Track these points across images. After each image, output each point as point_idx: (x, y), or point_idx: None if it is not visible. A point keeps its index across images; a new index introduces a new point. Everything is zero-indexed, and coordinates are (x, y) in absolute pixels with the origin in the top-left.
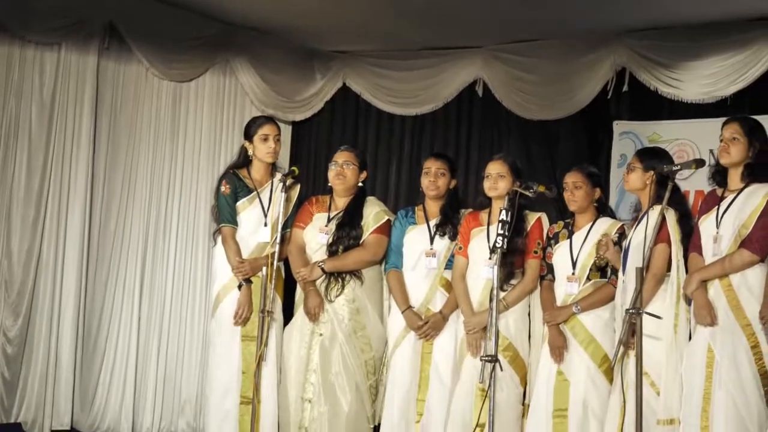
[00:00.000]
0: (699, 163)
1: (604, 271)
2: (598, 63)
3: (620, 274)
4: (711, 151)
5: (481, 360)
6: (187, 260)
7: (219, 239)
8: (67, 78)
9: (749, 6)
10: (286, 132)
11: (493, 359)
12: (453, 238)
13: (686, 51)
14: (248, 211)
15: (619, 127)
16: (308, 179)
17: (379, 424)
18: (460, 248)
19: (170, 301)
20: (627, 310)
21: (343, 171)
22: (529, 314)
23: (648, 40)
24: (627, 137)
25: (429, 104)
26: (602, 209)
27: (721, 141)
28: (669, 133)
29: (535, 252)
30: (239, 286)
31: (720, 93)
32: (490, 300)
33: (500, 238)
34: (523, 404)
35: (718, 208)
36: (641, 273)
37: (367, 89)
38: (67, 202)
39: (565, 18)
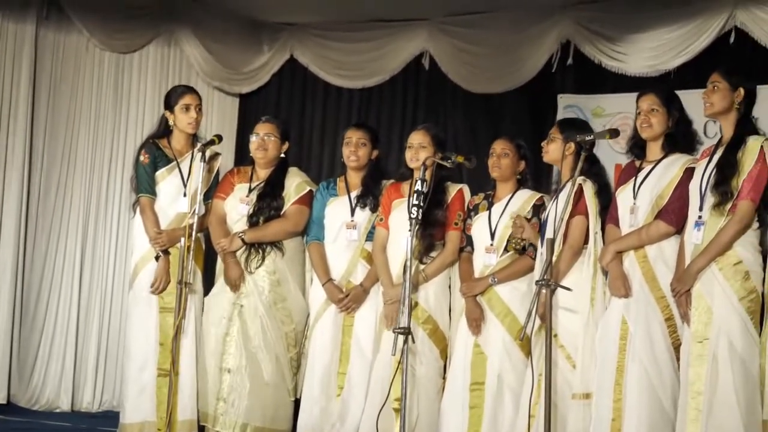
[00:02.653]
0: (613, 133)
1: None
2: (543, 36)
3: (539, 246)
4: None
5: (394, 332)
6: (129, 233)
7: (137, 210)
8: (4, 47)
9: None
10: (233, 104)
11: (406, 331)
12: (374, 209)
13: (630, 24)
14: (167, 181)
15: (563, 100)
16: None
17: (300, 397)
18: (381, 220)
19: (112, 274)
20: (537, 281)
21: (264, 143)
22: (449, 287)
23: (592, 12)
24: (571, 110)
25: (376, 77)
26: (524, 182)
27: (639, 113)
28: (613, 107)
29: (456, 224)
30: (157, 257)
31: (664, 66)
32: (404, 271)
33: (415, 208)
34: (444, 378)
35: (635, 179)
36: (551, 244)
37: (314, 61)
38: (4, 173)
39: None
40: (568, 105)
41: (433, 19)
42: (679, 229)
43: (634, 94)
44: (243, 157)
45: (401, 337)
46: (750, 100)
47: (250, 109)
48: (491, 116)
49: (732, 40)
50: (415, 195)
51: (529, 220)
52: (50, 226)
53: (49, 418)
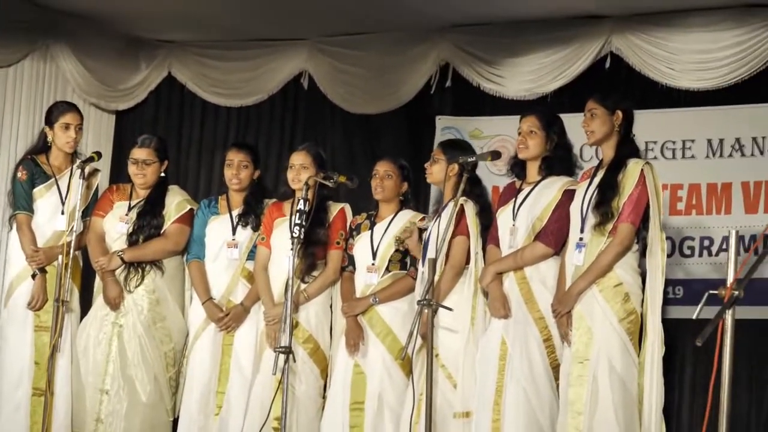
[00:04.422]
0: (495, 155)
1: (404, 263)
2: (422, 57)
3: (419, 265)
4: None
5: (275, 351)
6: (2, 249)
7: (14, 226)
8: None
9: (571, 4)
10: (110, 121)
11: (287, 350)
12: (256, 228)
13: (508, 47)
14: (45, 198)
15: (441, 122)
16: None
17: (179, 416)
18: (263, 239)
19: None
20: (418, 301)
21: (143, 169)
22: (331, 306)
23: (471, 36)
24: (449, 132)
25: (254, 96)
26: (406, 203)
27: (519, 134)
28: (491, 129)
29: (338, 243)
30: (33, 276)
31: (541, 90)
32: (286, 290)
33: (297, 227)
34: (324, 397)
35: (515, 200)
36: (433, 264)
37: (192, 79)
38: None
39: (391, 12)
40: (446, 126)
41: (312, 39)
42: (558, 251)
43: (512, 117)
44: (119, 174)
45: (282, 356)
46: (628, 120)
47: (127, 126)
48: (370, 136)
49: (608, 65)
50: (297, 214)
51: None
52: None
53: None
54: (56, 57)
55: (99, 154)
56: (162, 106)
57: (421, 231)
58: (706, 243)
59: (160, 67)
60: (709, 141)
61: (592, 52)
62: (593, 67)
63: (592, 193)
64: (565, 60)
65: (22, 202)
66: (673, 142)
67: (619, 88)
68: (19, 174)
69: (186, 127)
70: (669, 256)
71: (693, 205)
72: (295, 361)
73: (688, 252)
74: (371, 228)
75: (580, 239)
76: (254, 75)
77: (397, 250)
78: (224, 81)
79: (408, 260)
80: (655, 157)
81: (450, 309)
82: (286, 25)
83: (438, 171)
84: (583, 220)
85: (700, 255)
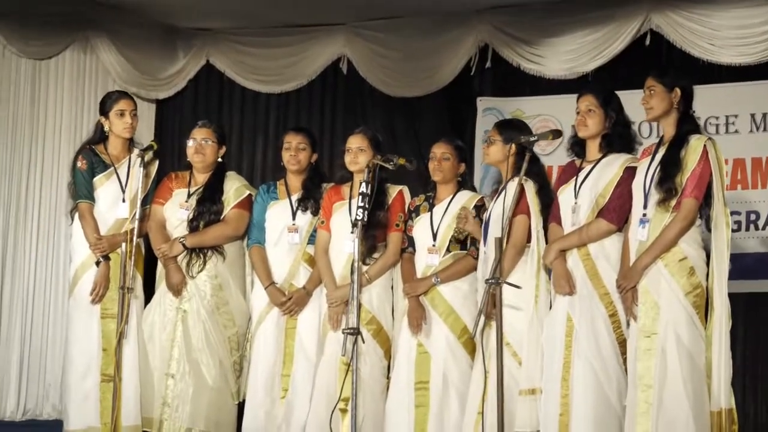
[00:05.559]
0: (556, 134)
1: (464, 243)
2: (460, 40)
3: (481, 245)
4: (573, 127)
5: (343, 333)
6: (50, 240)
7: (76, 216)
8: None
9: None
10: (150, 110)
11: (355, 332)
12: (315, 212)
13: (547, 27)
14: (105, 187)
15: (482, 103)
16: (173, 158)
17: (244, 401)
18: (323, 222)
19: (33, 282)
20: (487, 280)
21: (202, 147)
22: (392, 288)
23: (509, 16)
24: (490, 113)
25: (293, 82)
26: (464, 184)
27: (578, 113)
28: (532, 109)
29: (397, 225)
30: (97, 263)
31: (581, 69)
32: (352, 273)
33: (360, 210)
34: (388, 378)
35: (576, 178)
36: (500, 243)
37: (230, 67)
38: None
39: None
40: (487, 108)
41: (349, 24)
42: (621, 227)
43: (553, 97)
44: (163, 162)
45: (350, 338)
46: (687, 97)
47: (167, 115)
48: (411, 119)
49: (648, 42)
50: (360, 197)
51: None
52: None
53: None
54: (96, 48)
55: (156, 143)
56: (201, 94)
57: (479, 211)
58: (753, 217)
59: (198, 55)
60: (753, 115)
61: (631, 31)
62: (633, 45)
63: (655, 170)
64: (604, 39)
65: (83, 190)
66: (717, 118)
67: (660, 66)
68: (78, 164)
69: (226, 114)
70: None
71: (738, 180)
72: (363, 342)
73: (734, 227)
74: (430, 209)
75: (644, 215)
76: (293, 61)
77: (454, 236)
78: (263, 67)
79: (468, 241)
80: None
81: (518, 287)
82: (322, 11)
83: (495, 151)
84: (646, 197)
85: (747, 229)
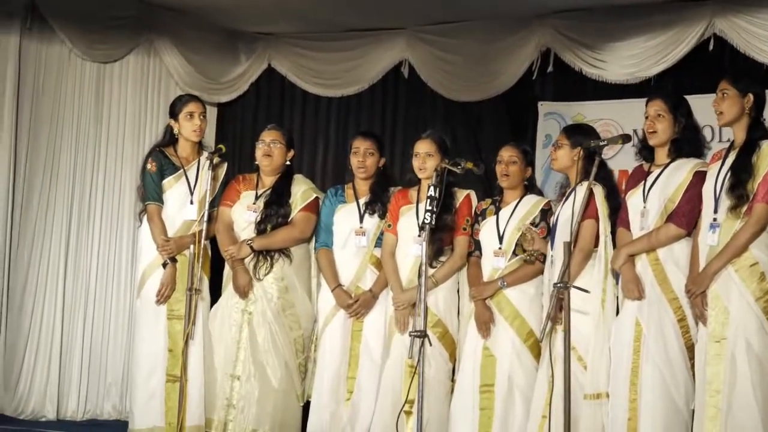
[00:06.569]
0: (625, 138)
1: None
2: (522, 44)
3: (548, 249)
4: (635, 131)
5: (410, 336)
6: (112, 241)
7: (144, 218)
8: None
9: None
10: (212, 113)
11: (422, 335)
12: (382, 216)
13: (610, 32)
14: (174, 189)
15: (543, 107)
16: (234, 161)
17: (309, 402)
18: (389, 226)
19: (95, 283)
20: (555, 284)
21: (270, 150)
22: (458, 291)
23: (571, 21)
24: (552, 118)
25: (354, 86)
26: (530, 188)
27: (647, 118)
28: (593, 114)
29: (464, 229)
30: (164, 265)
31: (643, 74)
32: (419, 276)
33: (428, 214)
34: (453, 380)
35: (644, 183)
36: (569, 247)
37: (292, 71)
38: None
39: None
40: (548, 112)
41: (410, 29)
42: (690, 232)
43: (615, 101)
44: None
45: (417, 341)
46: (759, 103)
47: (229, 118)
48: (472, 123)
49: (711, 47)
50: (428, 200)
51: (536, 225)
52: (33, 234)
53: (36, 426)
54: (159, 51)
55: (225, 147)
56: (263, 97)
57: (545, 215)
58: None
59: (260, 59)
60: None
61: (695, 35)
62: (695, 50)
63: (725, 175)
64: (667, 44)
65: (152, 192)
66: None
67: (722, 71)
68: (148, 166)
69: (287, 117)
70: None
71: None
72: (431, 344)
73: None
74: (496, 213)
75: (714, 220)
76: (354, 65)
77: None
78: (324, 71)
79: (536, 255)
80: None
81: (586, 291)
82: (383, 15)
83: (563, 156)
84: (717, 201)
85: None
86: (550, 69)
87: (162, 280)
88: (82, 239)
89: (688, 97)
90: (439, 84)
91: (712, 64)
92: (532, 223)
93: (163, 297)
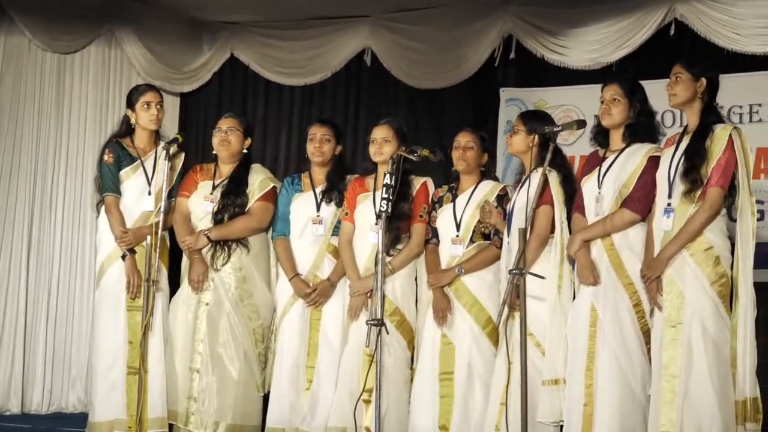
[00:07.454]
0: (580, 123)
1: (487, 234)
2: (485, 31)
3: (504, 236)
4: (596, 116)
5: (367, 324)
6: (75, 232)
7: (102, 209)
8: None
9: None
10: (175, 103)
11: (379, 323)
12: (339, 204)
13: (571, 18)
14: (132, 180)
15: (505, 94)
16: (198, 151)
17: (269, 392)
18: (347, 214)
19: (58, 274)
20: (510, 270)
21: (227, 137)
22: (416, 279)
23: (533, 7)
24: (513, 104)
25: (317, 74)
26: (486, 174)
27: (602, 102)
28: (555, 99)
29: (421, 216)
30: (123, 256)
31: (605, 59)
32: (376, 264)
33: (384, 202)
34: (411, 368)
35: (599, 169)
36: (524, 234)
37: (255, 60)
38: None
39: None
40: (510, 98)
41: (374, 16)
42: (644, 217)
43: (576, 87)
44: (187, 156)
45: (374, 329)
46: (713, 88)
47: (192, 108)
48: (434, 110)
49: (672, 32)
50: (384, 188)
51: None
52: None
53: (0, 421)
54: (121, 42)
55: (182, 136)
56: (226, 87)
57: (502, 200)
58: None
59: (223, 48)
60: None
61: (656, 20)
62: (657, 35)
63: (679, 160)
64: (628, 29)
65: (109, 184)
66: (740, 107)
67: (684, 56)
68: (105, 157)
69: (250, 107)
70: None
71: (762, 169)
72: (388, 333)
73: (757, 216)
74: (453, 200)
75: (668, 205)
76: (317, 53)
77: (481, 231)
78: (287, 60)
79: (491, 230)
80: None
81: (542, 277)
82: (347, 3)
83: (518, 142)
84: (671, 186)
85: None
86: (512, 55)
87: (126, 272)
88: (45, 230)
89: (649, 83)
90: (403, 72)
91: (673, 50)
92: None
93: (135, 287)
